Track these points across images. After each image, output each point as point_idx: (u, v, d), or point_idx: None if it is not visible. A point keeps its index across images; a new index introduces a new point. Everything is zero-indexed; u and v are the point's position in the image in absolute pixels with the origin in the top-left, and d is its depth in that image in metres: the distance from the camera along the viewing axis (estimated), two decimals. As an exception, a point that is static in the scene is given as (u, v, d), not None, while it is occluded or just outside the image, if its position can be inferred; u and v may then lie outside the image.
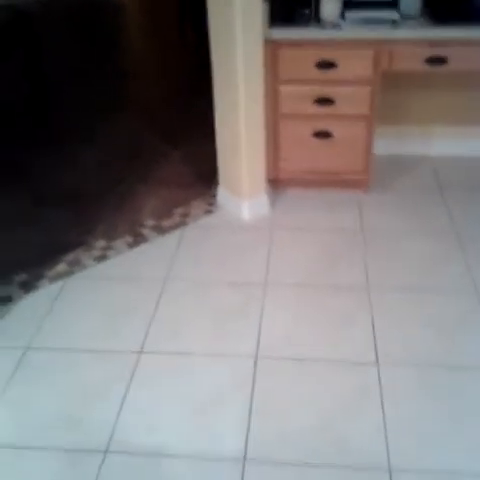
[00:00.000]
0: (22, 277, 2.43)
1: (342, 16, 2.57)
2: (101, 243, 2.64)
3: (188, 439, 1.76)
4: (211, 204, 2.92)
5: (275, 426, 1.78)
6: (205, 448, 1.73)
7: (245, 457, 1.69)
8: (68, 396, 1.90)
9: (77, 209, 2.91)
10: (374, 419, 1.79)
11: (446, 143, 3.25)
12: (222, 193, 2.89)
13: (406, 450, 1.70)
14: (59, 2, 7.04)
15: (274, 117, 2.74)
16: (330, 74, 2.61)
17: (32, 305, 2.29)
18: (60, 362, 2.03)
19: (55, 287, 2.38)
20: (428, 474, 1.63)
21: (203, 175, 3.16)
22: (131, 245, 2.63)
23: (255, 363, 2.00)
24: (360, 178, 2.90)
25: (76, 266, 2.50)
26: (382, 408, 1.82)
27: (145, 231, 2.72)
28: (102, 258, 2.55)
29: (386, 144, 3.23)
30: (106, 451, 1.73)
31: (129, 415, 1.84)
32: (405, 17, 2.57)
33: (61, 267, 2.49)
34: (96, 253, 2.58)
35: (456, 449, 1.69)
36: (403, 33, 2.50)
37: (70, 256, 2.56)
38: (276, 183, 2.97)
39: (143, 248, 2.61)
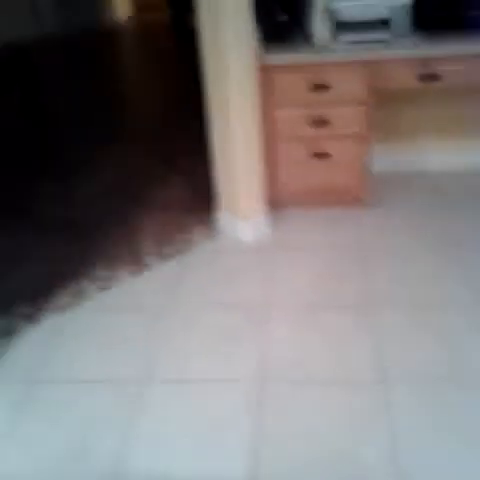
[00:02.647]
0: (25, 310, 2.43)
1: (335, 38, 2.60)
2: (104, 273, 2.65)
3: (195, 468, 1.73)
4: (212, 228, 2.92)
5: (283, 450, 1.75)
6: (210, 474, 1.70)
7: (254, 484, 1.67)
8: (75, 428, 1.88)
9: (79, 239, 2.92)
10: (384, 439, 1.76)
11: (442, 158, 3.26)
12: (222, 217, 2.90)
13: (416, 470, 1.66)
14: (56, 34, 7.18)
15: (272, 140, 2.77)
16: (325, 96, 2.63)
17: (36, 338, 2.28)
18: (65, 394, 2.02)
19: (59, 319, 2.38)
20: (441, 495, 1.60)
21: (203, 199, 3.17)
22: (133, 273, 2.63)
23: (261, 386, 1.98)
24: (358, 195, 2.91)
25: (79, 297, 2.50)
26: (391, 427, 1.79)
27: (147, 258, 2.73)
28: (104, 288, 2.55)
29: (383, 161, 3.24)
30: (113, 483, 1.71)
31: (134, 444, 1.81)
32: (397, 36, 2.60)
33: (64, 299, 2.49)
34: (98, 283, 2.58)
35: (467, 467, 1.66)
36: (395, 52, 2.53)
37: (73, 287, 2.56)
38: (276, 204, 2.98)
39: (146, 276, 2.61)
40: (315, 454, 1.74)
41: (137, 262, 2.71)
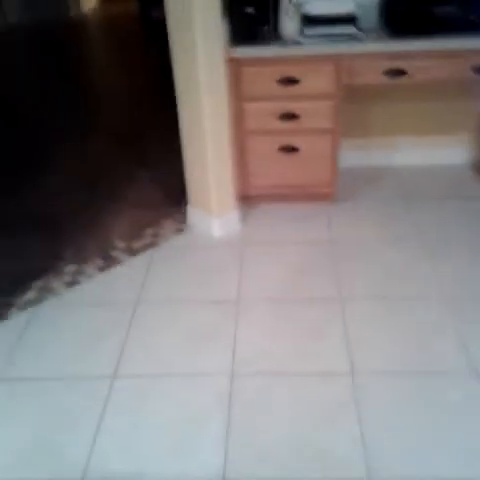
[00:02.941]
0: (-9, 306, 2.39)
1: (302, 33, 2.61)
2: (71, 268, 2.61)
3: (166, 463, 1.73)
4: (181, 223, 2.91)
5: (254, 443, 1.77)
6: (185, 470, 1.70)
7: (224, 477, 1.67)
8: (42, 425, 1.86)
9: (46, 234, 2.87)
10: (352, 430, 1.79)
11: (409, 153, 3.31)
12: (192, 212, 2.89)
13: (386, 459, 1.69)
14: (20, 25, 7.03)
15: (240, 134, 2.76)
16: (293, 90, 2.64)
17: (2, 334, 2.24)
18: (32, 391, 1.99)
19: (25, 315, 2.34)
20: (408, 482, 1.63)
21: (172, 195, 3.15)
22: (102, 268, 2.60)
23: (232, 380, 1.99)
24: (327, 190, 2.93)
25: (46, 292, 2.46)
26: (359, 418, 1.82)
27: (116, 253, 2.70)
28: (73, 283, 2.51)
29: (351, 156, 3.28)
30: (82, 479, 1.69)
31: (105, 441, 1.80)
32: (364, 31, 2.62)
33: (31, 294, 2.45)
34: (66, 278, 2.54)
35: (436, 456, 1.70)
36: (362, 47, 2.55)
37: (40, 282, 2.52)
38: (246, 199, 2.98)
39: (114, 271, 2.59)
40: (284, 445, 1.75)
41: (106, 257, 2.68)
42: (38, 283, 2.51)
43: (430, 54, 2.56)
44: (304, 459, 1.71)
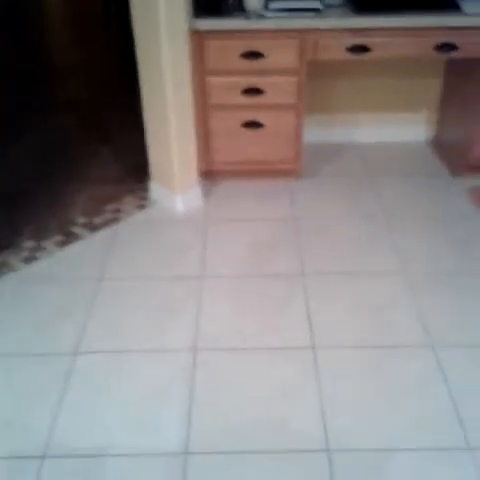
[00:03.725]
0: None
1: (266, 6, 2.57)
2: (30, 243, 2.55)
3: (129, 437, 1.73)
4: (144, 199, 2.87)
5: (216, 418, 1.78)
6: (147, 444, 1.70)
7: (187, 450, 1.68)
8: (3, 401, 1.83)
9: (5, 209, 2.79)
10: (312, 403, 1.82)
11: (372, 130, 3.34)
12: (154, 188, 2.85)
13: (344, 430, 1.73)
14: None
15: (203, 108, 2.73)
16: (257, 64, 2.61)
17: (-42, 312, 2.19)
18: (-10, 369, 1.95)
19: (-18, 292, 2.28)
20: (365, 452, 1.67)
21: (135, 170, 3.10)
22: (62, 244, 2.55)
23: (194, 356, 1.99)
24: (291, 167, 2.93)
25: (3, 268, 2.40)
26: (319, 391, 1.85)
27: (76, 229, 2.65)
28: (31, 259, 2.46)
29: (315, 132, 3.28)
30: (44, 456, 1.67)
31: (67, 417, 1.79)
32: (328, 6, 2.61)
33: (-12, 271, 2.39)
34: (24, 254, 2.48)
35: (392, 426, 1.75)
36: (326, 22, 2.53)
37: (-3, 259, 2.46)
38: (209, 175, 2.96)
39: (74, 247, 2.54)
40: (246, 419, 1.77)
41: (65, 233, 2.62)
42: (-5, 259, 2.45)
43: (393, 31, 2.57)
44: (265, 432, 1.73)
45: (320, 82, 3.15)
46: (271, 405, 1.82)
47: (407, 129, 3.34)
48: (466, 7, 2.54)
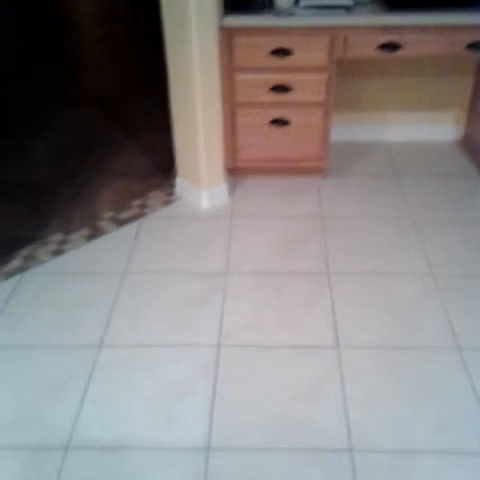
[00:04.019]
0: (-25, 274, 2.36)
1: (296, 3, 2.56)
2: (57, 237, 2.58)
3: (152, 431, 1.74)
4: (170, 195, 2.88)
5: (238, 414, 1.78)
6: (169, 439, 1.71)
7: (209, 446, 1.69)
8: (27, 393, 1.86)
9: (32, 202, 2.83)
10: (335, 402, 1.81)
11: (400, 129, 3.30)
12: (180, 183, 2.86)
13: (367, 431, 1.72)
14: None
15: (231, 105, 2.73)
16: (286, 61, 2.60)
17: (-14, 302, 2.23)
18: (18, 359, 1.98)
19: (10, 283, 2.31)
20: (389, 454, 1.66)
21: (161, 166, 3.12)
22: (88, 238, 2.58)
23: (218, 352, 1.99)
24: (318, 165, 2.91)
25: (31, 261, 2.43)
26: (343, 390, 1.84)
27: (102, 223, 2.67)
28: (59, 252, 2.49)
29: (343, 131, 3.26)
30: (67, 447, 1.69)
31: (90, 410, 1.81)
32: (358, 3, 2.58)
33: (16, 262, 2.42)
34: (52, 247, 2.52)
35: (416, 428, 1.73)
36: (357, 19, 2.51)
37: (25, 251, 2.49)
38: (235, 172, 2.96)
39: (101, 241, 2.57)
40: (269, 416, 1.77)
41: (93, 227, 2.65)
42: (23, 252, 2.48)
43: (424, 29, 2.53)
44: (288, 430, 1.73)
45: (349, 80, 3.12)
46: (294, 403, 1.81)
47: (436, 128, 3.29)
48: (500, 5, 2.50)
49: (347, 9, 2.53)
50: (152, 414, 1.79)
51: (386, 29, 2.53)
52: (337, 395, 1.83)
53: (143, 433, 1.73)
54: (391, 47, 2.57)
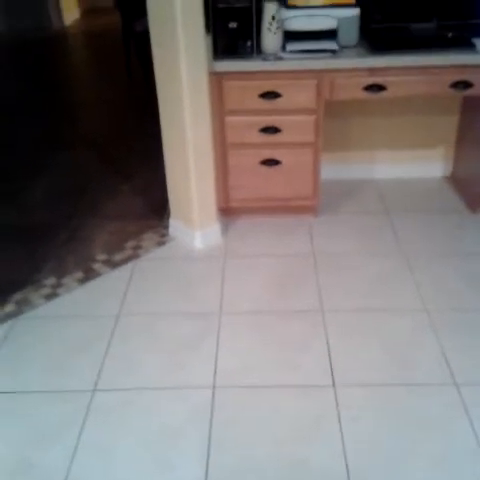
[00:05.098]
0: (-32, 319, 2.35)
1: (283, 48, 2.64)
2: (51, 280, 2.58)
3: (146, 476, 1.71)
4: (163, 236, 2.90)
5: (235, 457, 1.75)
6: (164, 486, 1.68)
7: (206, 492, 1.66)
8: (21, 440, 1.83)
9: (25, 246, 2.84)
10: (333, 442, 1.79)
11: (389, 166, 3.35)
12: (174, 224, 2.88)
13: (365, 470, 1.70)
14: (0, 35, 7.00)
15: (222, 147, 2.77)
16: (275, 104, 2.66)
17: (-21, 348, 2.21)
18: (11, 405, 1.95)
19: (2, 329, 2.30)
20: (389, 495, 1.63)
21: (154, 207, 3.15)
22: (82, 281, 2.58)
23: (213, 394, 1.98)
24: (309, 203, 2.95)
25: (25, 305, 2.43)
26: (340, 431, 1.82)
27: (96, 266, 2.68)
28: (52, 296, 2.48)
29: (333, 169, 3.31)
30: (61, 497, 1.66)
31: (85, 455, 1.77)
32: (344, 47, 2.66)
33: (9, 307, 2.41)
34: (46, 291, 2.51)
35: (413, 467, 1.70)
36: (343, 62, 2.58)
37: (18, 295, 2.48)
38: (227, 211, 2.99)
39: (94, 284, 2.57)
40: (266, 459, 1.74)
41: (87, 270, 2.65)
42: (16, 296, 2.48)
43: (408, 70, 2.60)
44: (286, 473, 1.70)
45: (338, 120, 3.19)
46: (290, 444, 1.79)
47: (424, 165, 3.35)
48: (481, 46, 2.58)
49: (333, 53, 2.60)
50: (147, 459, 1.76)
51: (371, 71, 2.60)
52: (335, 436, 1.81)
53: (138, 479, 1.70)
54: (377, 88, 2.64)
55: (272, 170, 2.84)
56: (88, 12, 8.62)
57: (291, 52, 2.61)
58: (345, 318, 2.31)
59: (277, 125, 2.72)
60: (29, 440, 1.83)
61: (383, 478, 1.68)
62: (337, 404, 1.92)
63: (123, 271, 2.64)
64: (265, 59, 2.59)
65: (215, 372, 2.07)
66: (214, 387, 2.00)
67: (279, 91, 2.63)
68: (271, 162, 2.82)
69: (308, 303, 2.40)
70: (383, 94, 2.66)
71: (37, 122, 4.48)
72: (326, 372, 2.05)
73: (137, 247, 2.81)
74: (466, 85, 2.63)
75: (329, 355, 2.12)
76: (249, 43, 2.62)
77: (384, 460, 1.73)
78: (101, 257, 2.74)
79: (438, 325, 2.24)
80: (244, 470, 1.71)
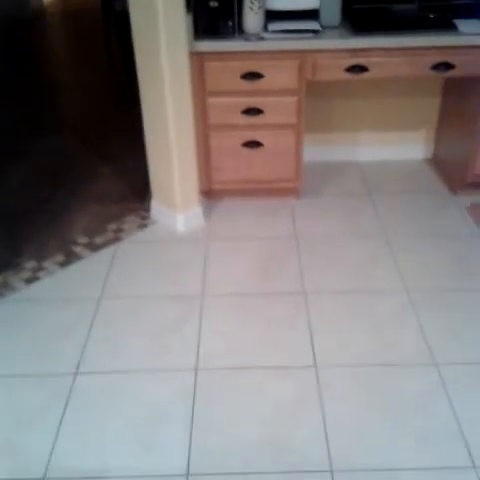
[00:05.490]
0: None
1: (265, 28, 2.61)
2: (31, 264, 2.56)
3: (130, 459, 1.71)
4: (145, 218, 2.88)
5: (217, 438, 1.77)
6: (148, 467, 1.69)
7: (188, 472, 1.67)
8: (3, 424, 1.82)
9: (5, 228, 2.80)
10: (314, 422, 1.81)
11: (371, 148, 3.36)
12: (155, 207, 2.86)
13: (347, 450, 1.72)
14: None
15: (204, 128, 2.75)
16: (257, 85, 2.64)
17: (-41, 333, 2.18)
18: (-9, 390, 1.95)
19: (-17, 312, 2.28)
20: (369, 472, 1.66)
21: (136, 190, 3.12)
22: (63, 264, 2.55)
23: (195, 376, 1.98)
24: (291, 185, 2.95)
25: (4, 289, 2.40)
26: (321, 410, 1.84)
27: (77, 249, 2.66)
28: (33, 279, 2.46)
29: (315, 151, 3.30)
30: (44, 478, 1.66)
31: (67, 438, 1.77)
32: (326, 28, 2.64)
33: (-11, 291, 2.39)
34: (26, 274, 2.49)
35: (395, 446, 1.73)
36: (325, 43, 2.56)
37: (-2, 279, 2.46)
38: (210, 194, 2.97)
39: (76, 267, 2.55)
40: (248, 439, 1.76)
41: (68, 253, 2.63)
42: (-3, 279, 2.46)
43: (390, 51, 2.60)
44: (267, 452, 1.72)
45: (320, 101, 3.18)
46: (273, 425, 1.80)
47: (406, 147, 3.36)
48: (462, 27, 2.58)
49: (315, 33, 2.58)
50: (130, 442, 1.77)
51: (353, 52, 2.59)
52: (316, 416, 1.83)
53: (122, 461, 1.71)
54: (359, 69, 2.63)
55: (254, 152, 2.83)
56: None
57: (273, 32, 2.59)
58: (327, 299, 2.32)
59: (259, 106, 2.70)
60: (11, 424, 1.82)
61: (364, 457, 1.70)
62: (319, 385, 1.93)
63: (105, 254, 2.62)
64: (247, 39, 2.56)
65: (198, 354, 2.07)
66: (197, 369, 2.01)
67: (261, 72, 2.61)
68: (253, 144, 2.80)
69: (291, 285, 2.41)
70: (365, 75, 2.65)
71: (16, 105, 4.40)
72: (308, 353, 2.06)
73: (119, 230, 2.79)
74: (447, 66, 2.63)
75: (311, 336, 2.14)
76: (230, 23, 2.58)
77: (365, 440, 1.75)
78: (82, 240, 2.72)
79: (419, 305, 2.27)
80: (226, 450, 1.73)
